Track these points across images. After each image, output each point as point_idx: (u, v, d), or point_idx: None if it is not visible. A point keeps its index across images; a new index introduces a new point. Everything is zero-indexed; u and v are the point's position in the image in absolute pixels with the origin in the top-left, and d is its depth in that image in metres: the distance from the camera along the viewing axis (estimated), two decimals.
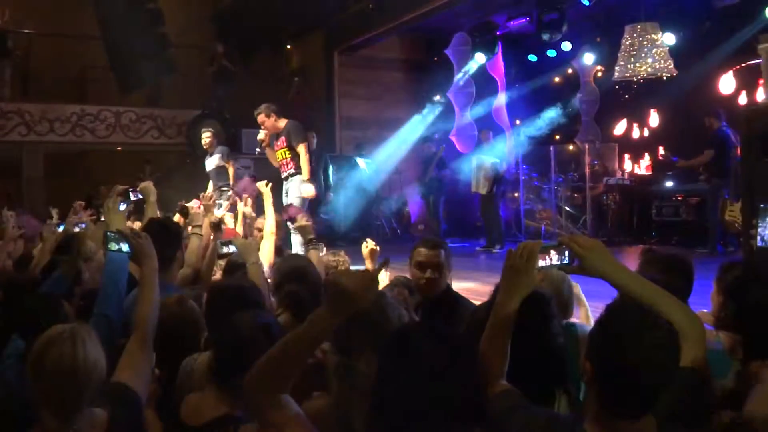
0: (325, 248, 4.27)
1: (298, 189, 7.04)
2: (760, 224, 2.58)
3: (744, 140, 3.83)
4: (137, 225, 5.41)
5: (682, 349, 1.73)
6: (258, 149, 7.47)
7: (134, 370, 2.17)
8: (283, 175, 7.20)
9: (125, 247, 2.53)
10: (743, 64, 8.62)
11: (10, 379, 2.41)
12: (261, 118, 7.21)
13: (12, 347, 2.44)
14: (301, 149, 7.04)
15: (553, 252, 1.90)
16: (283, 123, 7.20)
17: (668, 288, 1.92)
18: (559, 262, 1.90)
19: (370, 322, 1.95)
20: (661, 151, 9.63)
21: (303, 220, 4.26)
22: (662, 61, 9.55)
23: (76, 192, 12.66)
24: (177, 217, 5.53)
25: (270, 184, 5.05)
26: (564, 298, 3.23)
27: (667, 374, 1.60)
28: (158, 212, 4.63)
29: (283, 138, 7.15)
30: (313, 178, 7.29)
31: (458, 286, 4.25)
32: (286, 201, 7.03)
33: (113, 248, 2.59)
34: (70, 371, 1.85)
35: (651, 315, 1.68)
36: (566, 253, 1.88)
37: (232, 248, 3.46)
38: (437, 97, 12.29)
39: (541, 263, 1.90)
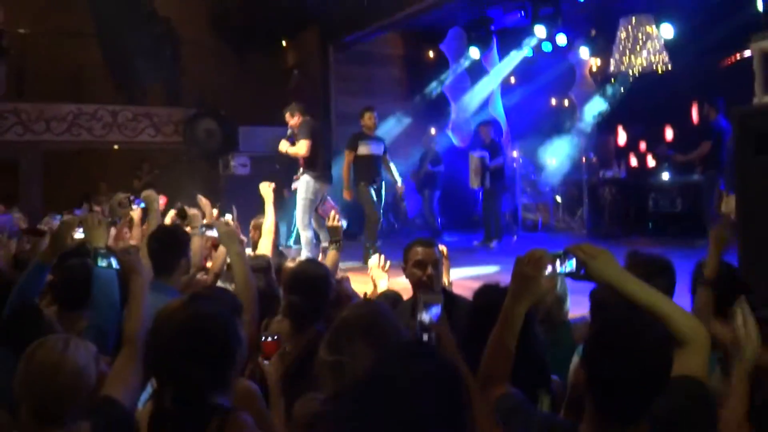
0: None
1: (304, 187, 7.40)
2: None
3: (737, 139, 3.88)
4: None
5: (684, 357, 1.82)
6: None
7: (123, 384, 2.18)
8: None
9: (114, 263, 2.56)
10: (737, 57, 8.64)
11: None
12: (287, 117, 7.62)
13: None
14: (301, 144, 7.32)
15: (559, 260, 1.96)
16: (299, 121, 7.55)
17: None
18: (565, 270, 1.96)
19: (363, 326, 2.01)
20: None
21: (335, 221, 4.25)
22: (657, 54, 9.59)
23: (74, 191, 12.70)
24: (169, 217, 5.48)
25: (273, 185, 5.10)
26: (559, 298, 3.29)
27: (658, 382, 1.67)
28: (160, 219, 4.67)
29: (297, 136, 7.48)
30: (312, 167, 7.50)
31: (454, 280, 4.28)
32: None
33: (102, 265, 2.63)
34: (55, 369, 1.90)
35: (642, 324, 1.74)
36: (573, 260, 1.94)
37: (214, 232, 3.35)
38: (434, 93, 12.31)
39: (548, 270, 1.97)
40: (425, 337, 1.83)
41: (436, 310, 1.86)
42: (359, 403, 1.38)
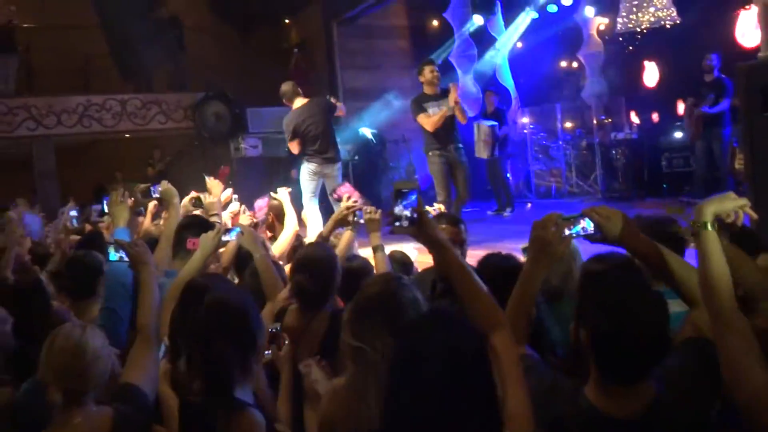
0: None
1: (300, 171, 7.27)
2: None
3: (743, 95, 3.81)
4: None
5: (697, 318, 1.86)
6: None
7: (141, 370, 2.28)
8: None
9: (126, 256, 2.63)
10: (747, 6, 8.43)
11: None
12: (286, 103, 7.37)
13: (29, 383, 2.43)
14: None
15: (575, 222, 1.98)
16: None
17: None
18: (581, 232, 1.98)
19: (382, 306, 2.02)
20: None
21: (349, 202, 4.13)
22: (664, 9, 9.41)
23: (89, 182, 12.83)
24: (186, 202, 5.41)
25: (290, 189, 5.10)
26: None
27: (657, 341, 1.69)
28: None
29: None
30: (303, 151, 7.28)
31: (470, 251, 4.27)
32: None
33: (115, 258, 2.71)
34: (76, 351, 2.04)
35: (640, 284, 1.79)
36: (589, 223, 1.96)
37: (232, 236, 3.27)
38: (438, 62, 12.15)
39: (564, 233, 1.99)
40: (404, 223, 1.82)
41: (411, 196, 1.82)
42: (392, 384, 1.45)
